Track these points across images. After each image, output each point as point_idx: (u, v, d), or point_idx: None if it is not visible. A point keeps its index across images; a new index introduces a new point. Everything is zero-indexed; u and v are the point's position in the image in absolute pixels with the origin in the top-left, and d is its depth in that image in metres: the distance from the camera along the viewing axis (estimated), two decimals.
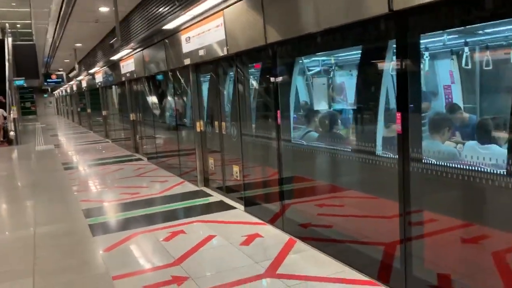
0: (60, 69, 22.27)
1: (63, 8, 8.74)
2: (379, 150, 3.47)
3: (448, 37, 3.75)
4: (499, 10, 2.48)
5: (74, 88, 24.90)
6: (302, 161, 4.67)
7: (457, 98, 4.45)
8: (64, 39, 12.44)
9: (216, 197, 6.63)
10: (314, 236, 4.39)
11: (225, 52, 5.55)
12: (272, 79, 4.84)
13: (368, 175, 3.71)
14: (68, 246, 4.84)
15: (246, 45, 5.11)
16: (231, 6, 5.17)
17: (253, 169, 5.71)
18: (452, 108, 4.33)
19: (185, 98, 7.93)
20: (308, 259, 4.06)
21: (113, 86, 14.64)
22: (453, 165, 2.84)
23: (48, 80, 21.90)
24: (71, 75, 21.15)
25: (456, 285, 2.96)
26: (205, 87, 7.30)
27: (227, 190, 6.61)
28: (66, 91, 31.27)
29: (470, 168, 2.73)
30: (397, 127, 3.10)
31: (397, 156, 3.17)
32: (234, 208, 5.95)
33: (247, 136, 5.64)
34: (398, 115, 3.06)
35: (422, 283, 3.16)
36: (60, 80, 22.20)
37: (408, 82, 2.99)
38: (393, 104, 3.35)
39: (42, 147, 15.21)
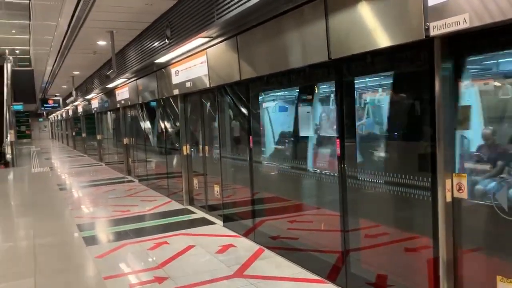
0: (57, 94, 23.03)
1: (64, 41, 9.55)
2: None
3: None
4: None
5: (70, 112, 25.65)
6: (276, 182, 5.36)
7: None
8: (63, 68, 13.23)
9: (199, 214, 7.30)
10: (280, 246, 5.06)
11: (208, 85, 6.33)
12: (245, 109, 5.61)
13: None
14: (64, 254, 5.46)
15: (225, 80, 5.90)
16: (213, 47, 5.99)
17: (231, 188, 6.40)
18: None
19: (173, 124, 8.68)
20: (272, 264, 4.73)
21: (108, 112, 15.41)
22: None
23: (45, 105, 22.63)
24: (68, 101, 21.91)
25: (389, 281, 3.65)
26: (192, 114, 8.07)
27: (209, 208, 7.29)
28: (61, 115, 32.00)
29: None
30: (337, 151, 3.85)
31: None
32: (214, 223, 6.62)
33: (227, 159, 6.37)
34: (337, 141, 3.82)
35: (361, 279, 3.85)
36: (57, 105, 22.91)
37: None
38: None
39: (38, 170, 15.81)
